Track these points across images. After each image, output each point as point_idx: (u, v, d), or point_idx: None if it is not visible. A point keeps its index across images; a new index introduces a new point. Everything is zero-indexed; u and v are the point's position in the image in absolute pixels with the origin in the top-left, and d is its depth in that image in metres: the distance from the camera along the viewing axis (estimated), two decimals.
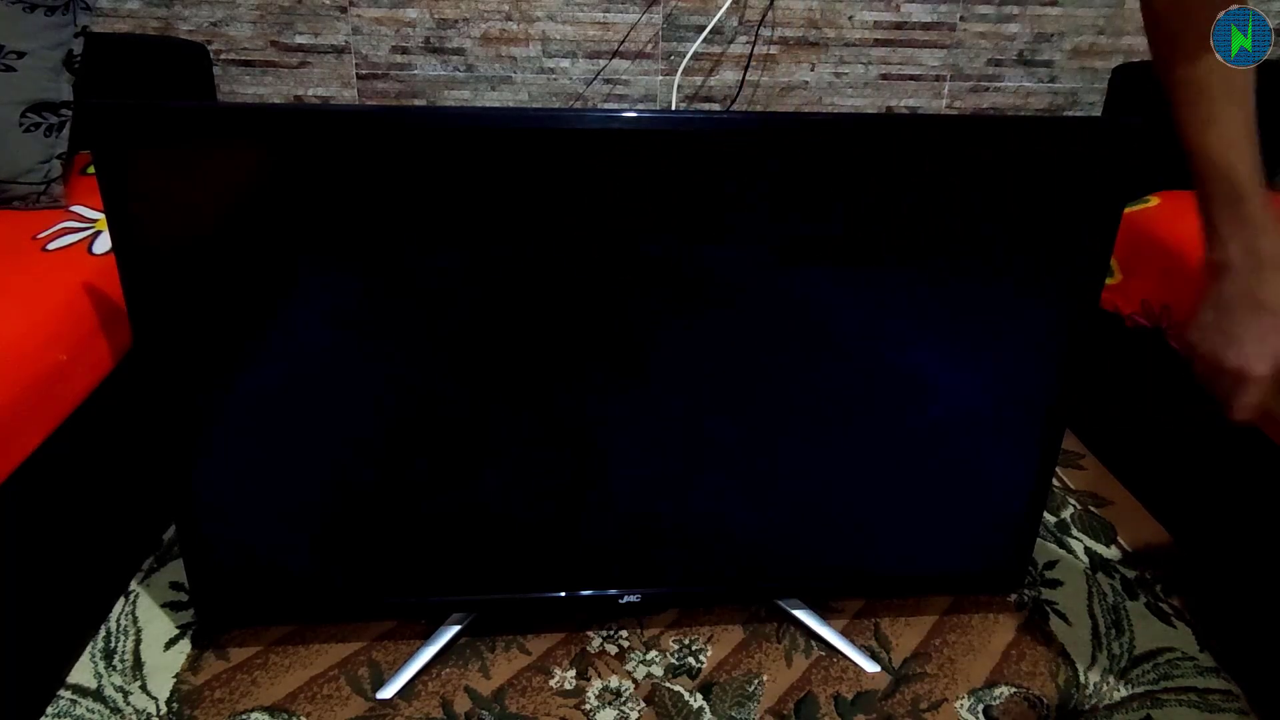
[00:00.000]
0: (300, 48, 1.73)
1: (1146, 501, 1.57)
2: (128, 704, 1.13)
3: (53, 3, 1.34)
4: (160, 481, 1.11)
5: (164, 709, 1.13)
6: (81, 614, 1.23)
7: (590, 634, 1.27)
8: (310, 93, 1.78)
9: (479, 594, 1.22)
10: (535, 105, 1.80)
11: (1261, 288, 0.75)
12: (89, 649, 1.21)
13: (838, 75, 1.83)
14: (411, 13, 1.71)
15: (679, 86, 1.80)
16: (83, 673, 1.17)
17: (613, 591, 1.21)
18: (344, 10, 1.70)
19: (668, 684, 1.19)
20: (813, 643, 1.26)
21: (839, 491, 1.20)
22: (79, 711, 1.12)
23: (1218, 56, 0.72)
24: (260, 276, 1.01)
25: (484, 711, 1.15)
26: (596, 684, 1.19)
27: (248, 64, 1.74)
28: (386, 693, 1.16)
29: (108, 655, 1.20)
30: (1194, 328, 0.81)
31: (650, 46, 1.77)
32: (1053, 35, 1.82)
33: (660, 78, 1.80)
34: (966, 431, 1.17)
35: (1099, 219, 1.05)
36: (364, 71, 1.76)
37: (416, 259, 1.01)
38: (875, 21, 1.78)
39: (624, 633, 1.27)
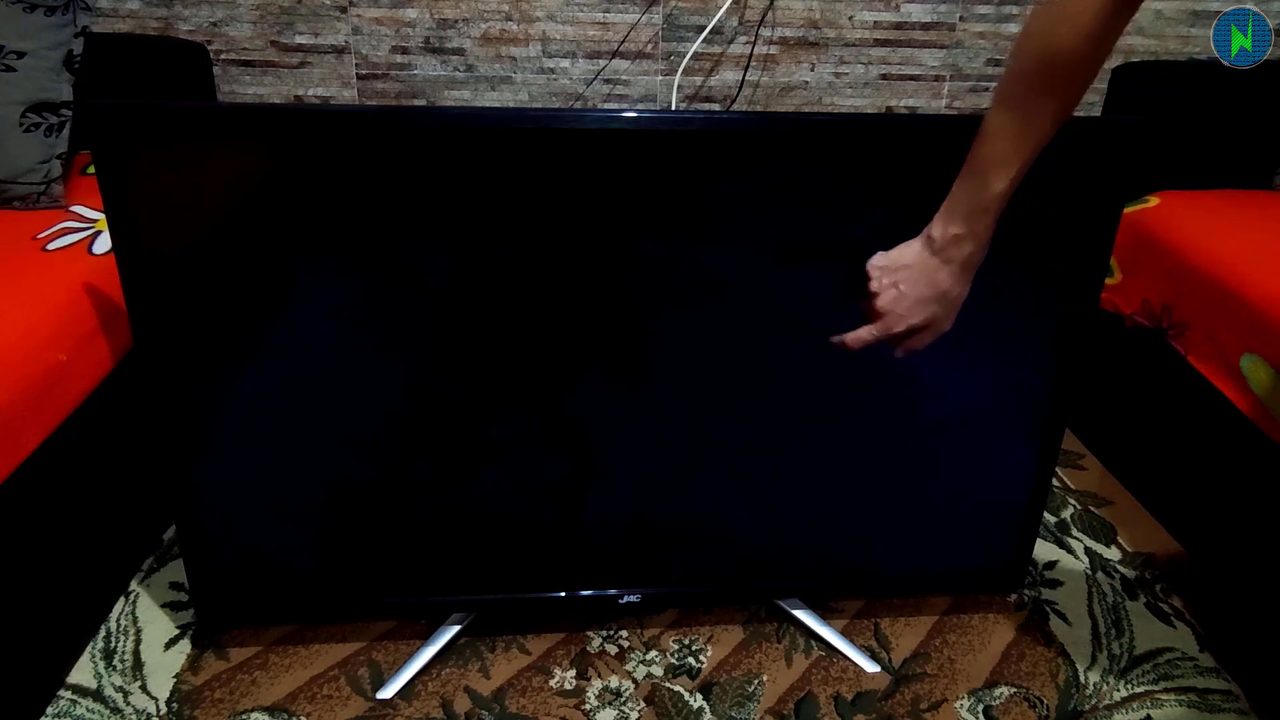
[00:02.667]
0: (300, 48, 1.73)
1: (1146, 501, 1.57)
2: (128, 704, 1.13)
3: (53, 3, 1.34)
4: (160, 481, 1.11)
5: (164, 709, 1.13)
6: (81, 614, 1.23)
7: (590, 634, 1.27)
8: (310, 93, 1.78)
9: (479, 594, 1.22)
10: (535, 105, 1.80)
11: (940, 271, 0.89)
12: (89, 649, 1.21)
13: (838, 75, 1.82)
14: (411, 13, 1.71)
15: (679, 86, 1.80)
16: (83, 673, 1.17)
17: (613, 591, 1.21)
18: (344, 10, 1.70)
19: (668, 684, 1.19)
20: (813, 643, 1.26)
21: (839, 491, 1.20)
22: (79, 711, 1.12)
23: (1066, 111, 0.83)
24: (260, 276, 1.01)
25: (484, 711, 1.15)
26: (596, 684, 1.19)
27: (248, 64, 1.74)
28: (386, 693, 1.16)
29: (108, 655, 1.20)
30: (885, 269, 0.92)
31: (650, 46, 1.77)
32: None
33: (660, 78, 1.80)
34: (967, 431, 1.17)
35: (1099, 219, 1.05)
36: (364, 71, 1.76)
37: (416, 259, 1.01)
38: (875, 21, 1.78)
39: (624, 633, 1.27)
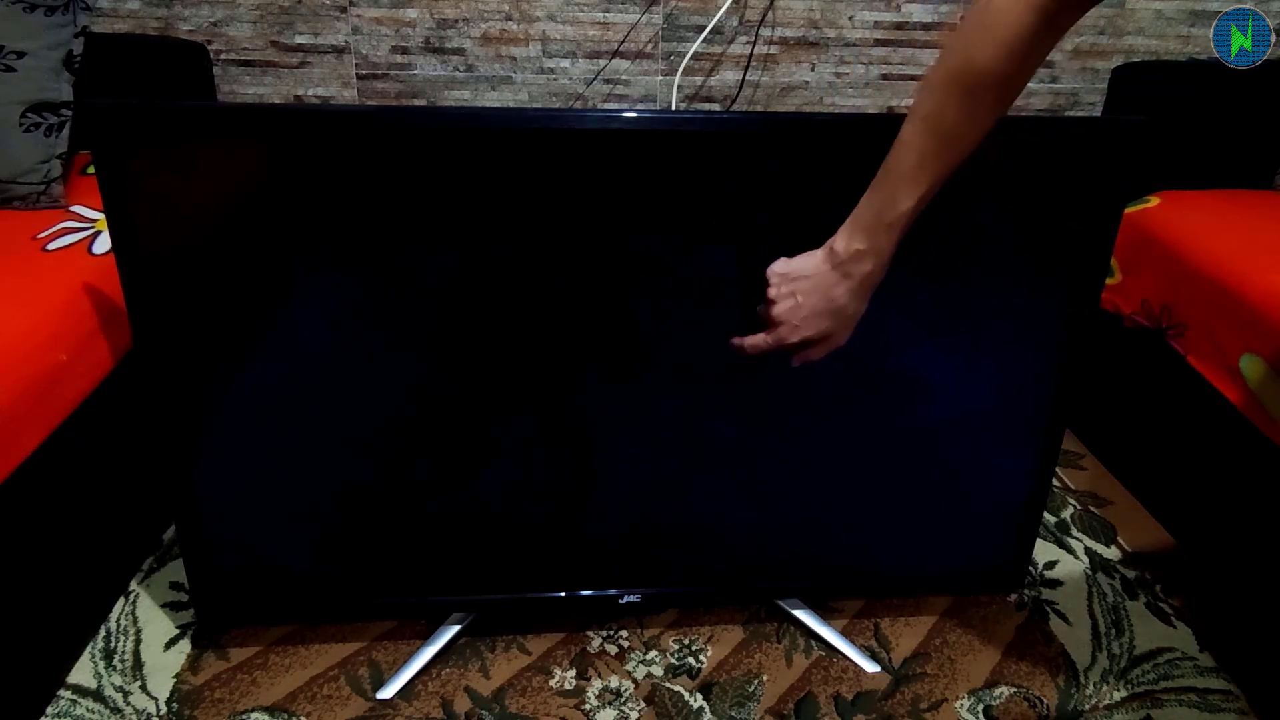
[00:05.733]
0: (300, 48, 1.73)
1: (1146, 501, 1.57)
2: (128, 704, 1.13)
3: (53, 3, 1.34)
4: (160, 481, 1.11)
5: (164, 709, 1.13)
6: (81, 614, 1.23)
7: (590, 634, 1.27)
8: (310, 93, 1.78)
9: (479, 594, 1.22)
10: (535, 105, 1.80)
11: (839, 287, 0.87)
12: (89, 649, 1.21)
13: (838, 75, 1.82)
14: (411, 13, 1.71)
15: (679, 86, 1.80)
16: (83, 673, 1.17)
17: (613, 591, 1.21)
18: (344, 10, 1.70)
19: (668, 684, 1.19)
20: (813, 643, 1.26)
21: (839, 491, 1.20)
22: (79, 711, 1.12)
23: (982, 131, 0.80)
24: (260, 276, 1.01)
25: (484, 711, 1.15)
26: (596, 684, 1.19)
27: (248, 64, 1.74)
28: (386, 693, 1.16)
29: (108, 655, 1.20)
30: (785, 276, 0.90)
31: (650, 46, 1.77)
32: None
33: (660, 78, 1.80)
34: (967, 431, 1.17)
35: (1099, 219, 1.05)
36: (364, 71, 1.76)
37: (416, 259, 1.01)
38: (875, 21, 1.78)
39: (624, 633, 1.27)
